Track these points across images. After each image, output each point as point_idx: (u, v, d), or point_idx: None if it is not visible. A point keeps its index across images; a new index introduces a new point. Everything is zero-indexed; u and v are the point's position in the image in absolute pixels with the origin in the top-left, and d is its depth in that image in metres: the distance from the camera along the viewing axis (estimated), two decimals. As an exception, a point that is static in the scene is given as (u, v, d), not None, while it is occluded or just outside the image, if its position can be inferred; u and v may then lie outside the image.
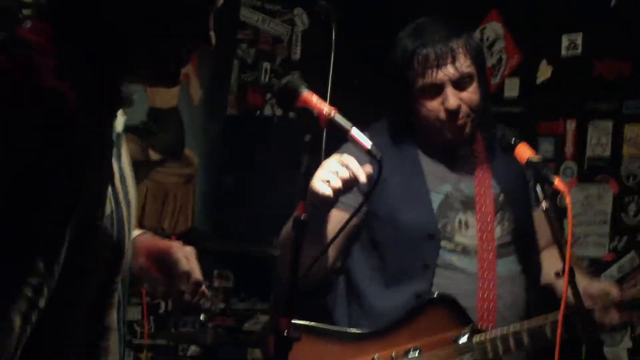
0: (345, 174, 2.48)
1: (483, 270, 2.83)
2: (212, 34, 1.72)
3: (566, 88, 4.72)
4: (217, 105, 5.11)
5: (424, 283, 2.80)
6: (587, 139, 4.64)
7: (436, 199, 2.87)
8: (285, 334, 1.84)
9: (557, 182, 2.50)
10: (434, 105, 2.82)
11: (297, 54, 5.41)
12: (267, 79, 5.26)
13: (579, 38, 4.68)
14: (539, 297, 2.92)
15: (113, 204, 1.61)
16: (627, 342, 4.36)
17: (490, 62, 5.02)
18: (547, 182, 2.50)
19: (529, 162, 2.57)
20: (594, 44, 4.63)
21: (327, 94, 5.19)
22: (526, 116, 4.85)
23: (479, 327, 2.75)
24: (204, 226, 5.08)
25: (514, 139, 2.65)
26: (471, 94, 2.84)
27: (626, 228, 4.46)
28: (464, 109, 2.83)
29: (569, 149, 4.70)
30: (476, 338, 2.71)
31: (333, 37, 5.29)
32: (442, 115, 2.82)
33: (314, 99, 2.03)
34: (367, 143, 1.99)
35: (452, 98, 2.80)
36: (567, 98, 4.70)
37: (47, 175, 1.41)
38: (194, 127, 4.99)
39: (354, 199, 2.75)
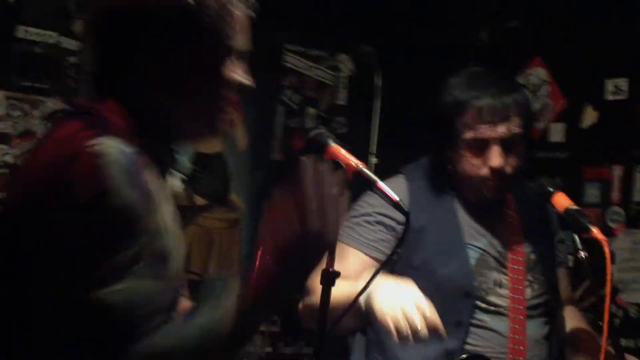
0: (414, 323, 2.32)
1: (514, 332, 2.79)
2: (245, 78, 1.87)
3: (612, 133, 4.68)
4: (262, 151, 5.14)
5: (455, 341, 2.73)
6: (634, 184, 4.60)
7: (473, 255, 2.82)
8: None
9: (596, 232, 2.48)
10: (477, 161, 2.78)
11: (342, 100, 5.43)
12: (312, 125, 5.28)
13: (624, 83, 4.65)
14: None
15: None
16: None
17: (536, 107, 5.01)
18: (585, 231, 2.48)
19: (567, 212, 2.56)
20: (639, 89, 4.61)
21: (372, 139, 5.25)
22: (572, 161, 4.83)
23: None
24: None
25: (551, 188, 2.64)
26: (516, 156, 2.80)
27: None
28: (507, 170, 2.78)
29: (615, 194, 4.65)
30: None
31: (378, 83, 5.36)
32: (485, 172, 2.78)
33: (341, 152, 2.05)
34: (394, 195, 1.99)
35: (498, 158, 2.75)
36: (612, 143, 4.67)
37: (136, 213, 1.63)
38: (240, 172, 5.02)
39: (386, 244, 2.76)
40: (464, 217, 2.88)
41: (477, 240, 2.85)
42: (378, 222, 2.81)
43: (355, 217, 2.83)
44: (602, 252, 2.44)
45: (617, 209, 4.64)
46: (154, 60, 1.78)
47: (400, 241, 2.07)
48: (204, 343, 1.67)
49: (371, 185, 2.01)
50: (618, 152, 4.65)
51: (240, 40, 1.85)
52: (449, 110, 2.79)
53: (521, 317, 2.81)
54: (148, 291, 1.64)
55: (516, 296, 2.83)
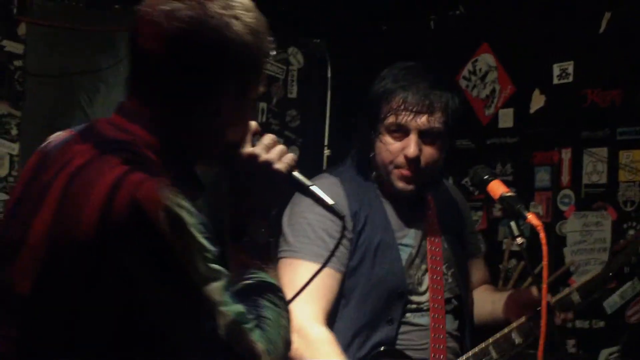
0: None
1: (435, 326, 2.87)
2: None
3: (560, 117, 4.71)
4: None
5: (385, 337, 2.81)
6: (583, 167, 4.63)
7: (403, 256, 2.89)
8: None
9: (531, 217, 2.49)
10: (395, 147, 2.84)
11: (293, 93, 5.43)
12: (263, 119, 5.27)
13: (570, 67, 4.68)
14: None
15: None
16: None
17: (484, 93, 5.05)
18: (520, 217, 2.50)
19: (501, 198, 2.57)
20: (585, 73, 4.63)
21: (324, 131, 5.25)
22: (522, 146, 4.85)
23: None
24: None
25: (487, 176, 2.65)
26: (433, 150, 2.85)
27: (627, 254, 4.41)
28: (422, 162, 2.83)
29: (565, 177, 4.68)
30: None
31: (328, 75, 5.36)
32: (400, 159, 2.83)
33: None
34: (328, 200, 1.98)
35: (414, 147, 2.80)
36: (561, 127, 4.70)
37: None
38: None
39: (342, 255, 2.82)
40: (391, 215, 2.93)
41: (405, 238, 2.92)
42: (323, 230, 2.82)
43: (300, 231, 2.84)
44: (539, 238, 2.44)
45: (567, 192, 4.67)
46: (207, 94, 1.79)
47: (337, 244, 2.05)
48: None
49: (304, 190, 1.99)
50: (567, 136, 4.68)
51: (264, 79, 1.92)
52: (377, 98, 2.86)
53: (440, 311, 2.90)
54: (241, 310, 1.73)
55: (435, 292, 2.90)
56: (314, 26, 5.27)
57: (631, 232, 4.41)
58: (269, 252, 1.92)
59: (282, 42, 5.37)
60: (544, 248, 2.41)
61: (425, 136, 2.82)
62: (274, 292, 1.84)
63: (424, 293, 2.90)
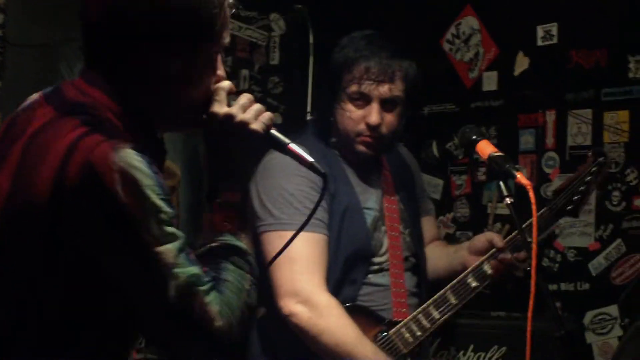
0: None
1: (395, 285, 2.96)
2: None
3: (544, 79, 4.70)
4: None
5: (348, 298, 2.87)
6: (568, 129, 4.62)
7: (368, 218, 2.96)
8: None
9: (520, 176, 2.46)
10: (357, 115, 2.91)
11: (275, 60, 5.38)
12: (246, 86, 5.22)
13: (554, 28, 4.66)
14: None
15: None
16: (617, 331, 4.35)
17: (468, 56, 5.02)
18: (509, 177, 2.47)
19: (490, 158, 2.54)
20: (569, 34, 4.62)
21: (307, 97, 5.21)
22: (506, 109, 4.84)
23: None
24: (189, 237, 5.04)
25: (475, 136, 2.62)
26: (393, 117, 2.93)
27: (611, 216, 4.43)
28: (383, 129, 2.91)
29: (549, 140, 4.67)
30: (395, 328, 2.87)
31: (310, 41, 5.31)
32: (361, 127, 2.90)
33: None
34: (308, 157, 1.94)
35: (376, 114, 2.88)
36: (545, 89, 4.68)
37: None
38: (174, 138, 4.95)
39: (323, 214, 2.84)
40: (353, 178, 2.99)
41: (368, 202, 2.98)
42: (305, 198, 2.84)
43: (284, 202, 2.85)
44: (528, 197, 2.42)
45: (552, 154, 4.66)
46: (156, 58, 1.77)
47: (317, 203, 2.02)
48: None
49: (283, 148, 1.94)
50: (551, 98, 4.67)
51: (227, 35, 1.88)
52: (338, 67, 2.92)
53: (399, 271, 2.99)
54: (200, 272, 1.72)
55: (394, 251, 2.99)
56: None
57: (615, 193, 4.41)
58: (244, 214, 1.90)
59: (264, 9, 5.31)
60: (534, 207, 2.38)
61: (386, 104, 2.90)
62: (240, 255, 1.82)
63: (384, 254, 2.97)
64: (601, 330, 4.38)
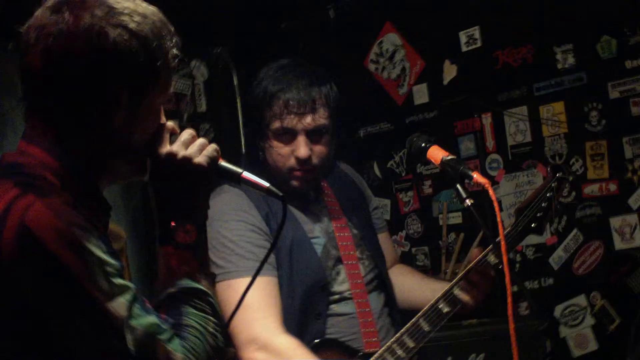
0: None
1: (361, 310, 2.89)
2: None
3: (474, 83, 4.70)
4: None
5: (317, 332, 2.81)
6: (506, 129, 4.62)
7: (318, 248, 2.89)
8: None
9: (477, 176, 2.43)
10: (285, 151, 2.83)
11: (202, 107, 5.31)
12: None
13: (476, 32, 4.67)
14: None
15: None
16: (589, 320, 4.32)
17: (395, 73, 5.00)
18: (465, 178, 2.43)
19: (443, 162, 2.51)
20: (492, 35, 4.63)
21: (240, 139, 5.14)
22: (441, 119, 4.82)
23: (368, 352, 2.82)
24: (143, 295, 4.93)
25: (424, 143, 2.58)
26: (322, 146, 2.87)
27: (563, 208, 4.42)
28: (314, 160, 2.85)
29: (489, 142, 4.67)
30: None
31: (235, 82, 5.26)
32: (292, 162, 2.83)
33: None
34: (264, 183, 1.89)
35: (304, 148, 2.82)
36: (477, 93, 4.68)
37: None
38: (114, 200, 4.85)
39: (273, 259, 2.78)
40: (296, 212, 2.92)
41: (314, 232, 2.91)
42: (247, 242, 2.80)
43: (225, 251, 2.79)
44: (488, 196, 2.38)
45: (494, 156, 4.66)
46: (98, 110, 1.72)
47: (280, 227, 1.95)
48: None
49: (237, 178, 1.90)
50: (484, 101, 4.67)
51: (171, 85, 1.85)
52: (258, 102, 2.85)
53: (362, 295, 2.91)
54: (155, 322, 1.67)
55: (353, 276, 2.91)
56: (213, 35, 5.15)
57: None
58: (201, 255, 1.84)
59: (183, 57, 5.23)
60: (495, 204, 2.35)
61: (312, 135, 2.84)
62: (200, 298, 1.77)
63: (343, 282, 2.89)
64: (573, 322, 4.36)
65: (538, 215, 2.80)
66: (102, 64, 1.69)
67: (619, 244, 4.28)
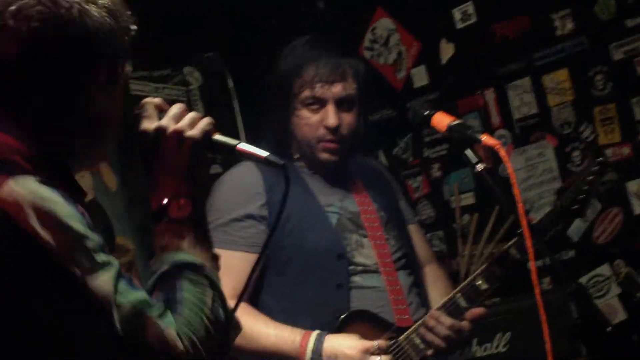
0: None
1: (390, 284, 2.86)
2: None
3: (473, 60, 4.61)
4: (133, 186, 4.89)
5: (340, 303, 2.79)
6: (510, 103, 4.52)
7: (332, 218, 2.89)
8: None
9: (486, 138, 2.33)
10: (314, 120, 2.85)
11: (199, 112, 5.21)
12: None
13: (470, 7, 4.58)
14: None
15: None
16: (615, 289, 4.22)
17: (391, 58, 4.92)
18: (474, 142, 2.33)
19: (449, 128, 2.41)
20: (487, 9, 4.54)
21: (240, 139, 5.05)
22: (443, 100, 4.70)
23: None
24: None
25: (427, 111, 2.48)
26: (351, 117, 2.88)
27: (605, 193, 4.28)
28: (343, 131, 2.85)
29: (495, 118, 4.57)
30: (404, 334, 2.76)
31: (230, 85, 5.17)
32: (320, 132, 2.85)
33: None
34: (261, 153, 1.79)
35: (333, 116, 2.83)
36: (477, 69, 4.59)
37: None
38: (118, 214, 4.77)
39: (257, 236, 2.78)
40: (313, 184, 2.92)
41: (331, 207, 2.91)
42: (248, 217, 2.83)
43: (223, 220, 2.83)
44: (500, 159, 2.28)
45: (501, 132, 4.57)
46: (67, 93, 1.68)
47: (283, 202, 1.84)
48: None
49: (231, 151, 1.82)
50: (485, 76, 4.58)
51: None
52: (286, 75, 2.88)
53: (391, 270, 2.89)
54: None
55: (382, 252, 2.90)
56: (204, 40, 5.07)
57: (576, 153, 4.31)
58: (199, 227, 1.75)
59: (176, 64, 5.16)
60: (509, 166, 2.27)
61: (342, 104, 2.85)
62: (195, 270, 1.67)
63: (368, 255, 2.88)
64: (598, 293, 4.24)
65: (580, 197, 2.79)
66: (83, 44, 1.66)
67: (638, 209, 4.17)
